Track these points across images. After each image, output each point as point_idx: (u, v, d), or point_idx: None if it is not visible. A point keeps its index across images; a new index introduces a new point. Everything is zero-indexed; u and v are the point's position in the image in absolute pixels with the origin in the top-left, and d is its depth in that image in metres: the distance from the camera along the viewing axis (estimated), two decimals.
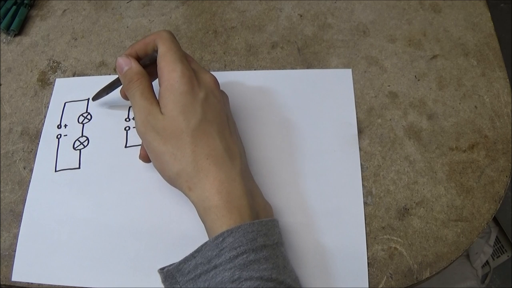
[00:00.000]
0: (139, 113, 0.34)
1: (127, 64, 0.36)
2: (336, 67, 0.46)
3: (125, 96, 0.40)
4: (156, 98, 0.35)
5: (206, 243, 0.31)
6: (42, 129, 0.45)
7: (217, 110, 0.35)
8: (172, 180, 0.34)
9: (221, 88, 0.37)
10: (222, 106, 0.36)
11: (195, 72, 0.35)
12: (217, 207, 0.31)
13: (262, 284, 0.29)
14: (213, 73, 0.46)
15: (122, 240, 0.39)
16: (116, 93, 0.42)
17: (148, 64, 0.37)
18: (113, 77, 0.41)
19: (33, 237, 0.39)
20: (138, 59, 0.37)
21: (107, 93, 0.42)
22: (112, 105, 0.45)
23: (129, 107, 0.44)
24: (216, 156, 0.33)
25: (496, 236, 0.94)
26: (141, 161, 0.39)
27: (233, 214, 0.31)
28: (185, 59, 0.35)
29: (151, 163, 0.37)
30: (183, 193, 0.34)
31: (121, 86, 0.40)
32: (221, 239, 0.30)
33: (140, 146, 0.40)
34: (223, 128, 0.35)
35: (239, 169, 0.33)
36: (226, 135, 0.34)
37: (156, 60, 0.36)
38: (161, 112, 0.34)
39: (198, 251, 0.31)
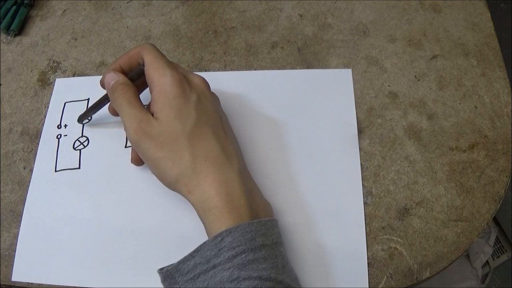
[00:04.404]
0: (130, 122, 0.34)
1: (113, 79, 0.36)
2: (336, 67, 0.46)
3: (113, 112, 0.41)
4: (144, 106, 0.35)
5: (205, 242, 0.31)
6: (42, 129, 0.45)
7: (210, 112, 0.35)
8: (171, 185, 0.34)
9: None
10: (214, 108, 0.36)
11: (184, 76, 0.35)
12: (216, 207, 0.31)
13: (261, 283, 0.29)
14: (213, 73, 0.46)
15: (122, 240, 0.39)
16: None
17: (136, 79, 0.37)
18: (99, 96, 0.41)
19: (33, 237, 0.39)
20: (124, 73, 0.37)
21: (94, 113, 0.42)
22: None
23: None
24: (213, 158, 0.33)
25: (496, 236, 0.94)
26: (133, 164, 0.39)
27: (232, 214, 0.31)
28: (172, 65, 0.36)
29: (146, 165, 0.36)
30: (183, 196, 0.34)
31: (108, 104, 0.40)
32: (220, 238, 0.30)
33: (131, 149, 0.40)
34: (217, 129, 0.35)
35: (237, 169, 0.33)
36: (221, 136, 0.35)
37: (142, 73, 0.36)
38: (155, 117, 0.34)
39: (197, 250, 0.31)
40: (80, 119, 0.44)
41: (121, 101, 0.35)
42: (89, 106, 0.42)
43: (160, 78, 0.34)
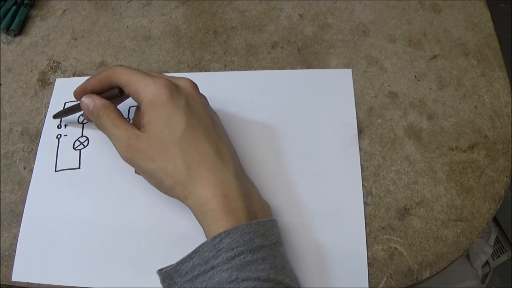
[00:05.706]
0: (119, 142, 0.34)
1: (91, 103, 0.36)
2: (336, 67, 0.46)
3: (88, 118, 0.40)
4: (129, 122, 0.35)
5: (203, 244, 0.31)
6: (42, 129, 0.45)
7: (201, 114, 0.34)
8: (169, 192, 0.34)
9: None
10: (204, 109, 0.35)
11: (169, 81, 0.35)
12: (213, 210, 0.31)
13: (260, 284, 0.29)
14: (213, 73, 0.46)
15: (122, 240, 0.39)
16: None
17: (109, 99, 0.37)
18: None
19: (33, 237, 0.39)
20: (96, 94, 0.37)
21: (67, 115, 0.43)
22: None
23: (129, 107, 0.44)
24: (207, 161, 0.33)
25: (496, 236, 0.94)
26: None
27: (230, 216, 0.31)
28: (154, 73, 0.35)
29: None
30: (181, 201, 0.33)
31: (82, 112, 0.39)
32: (218, 240, 0.30)
33: None
34: (209, 131, 0.34)
35: (233, 170, 0.33)
36: (214, 138, 0.34)
37: (115, 96, 0.36)
38: (144, 130, 0.34)
39: (195, 252, 0.31)
40: (55, 117, 0.44)
41: (105, 124, 0.35)
42: (65, 108, 0.43)
43: (144, 90, 0.33)
